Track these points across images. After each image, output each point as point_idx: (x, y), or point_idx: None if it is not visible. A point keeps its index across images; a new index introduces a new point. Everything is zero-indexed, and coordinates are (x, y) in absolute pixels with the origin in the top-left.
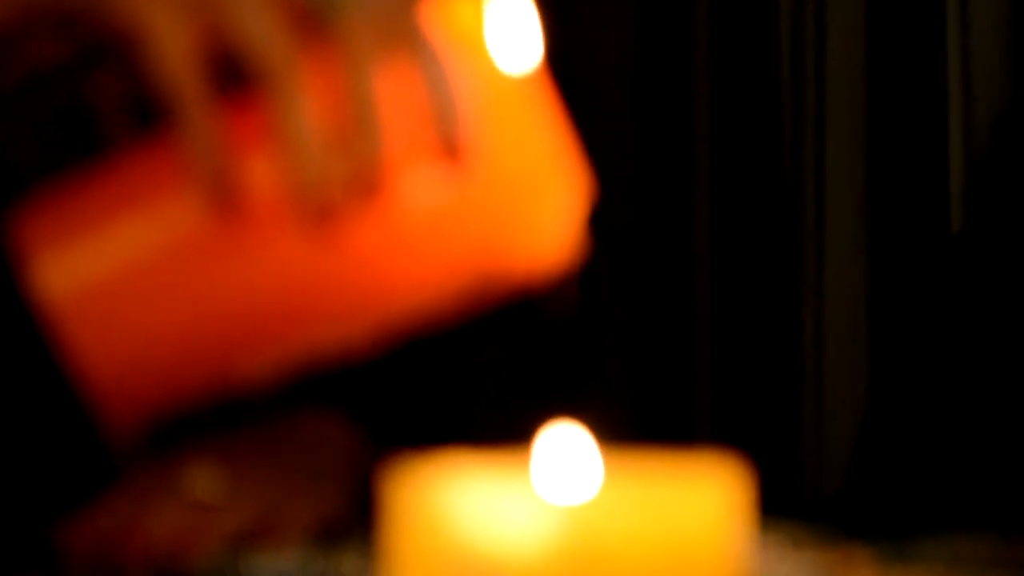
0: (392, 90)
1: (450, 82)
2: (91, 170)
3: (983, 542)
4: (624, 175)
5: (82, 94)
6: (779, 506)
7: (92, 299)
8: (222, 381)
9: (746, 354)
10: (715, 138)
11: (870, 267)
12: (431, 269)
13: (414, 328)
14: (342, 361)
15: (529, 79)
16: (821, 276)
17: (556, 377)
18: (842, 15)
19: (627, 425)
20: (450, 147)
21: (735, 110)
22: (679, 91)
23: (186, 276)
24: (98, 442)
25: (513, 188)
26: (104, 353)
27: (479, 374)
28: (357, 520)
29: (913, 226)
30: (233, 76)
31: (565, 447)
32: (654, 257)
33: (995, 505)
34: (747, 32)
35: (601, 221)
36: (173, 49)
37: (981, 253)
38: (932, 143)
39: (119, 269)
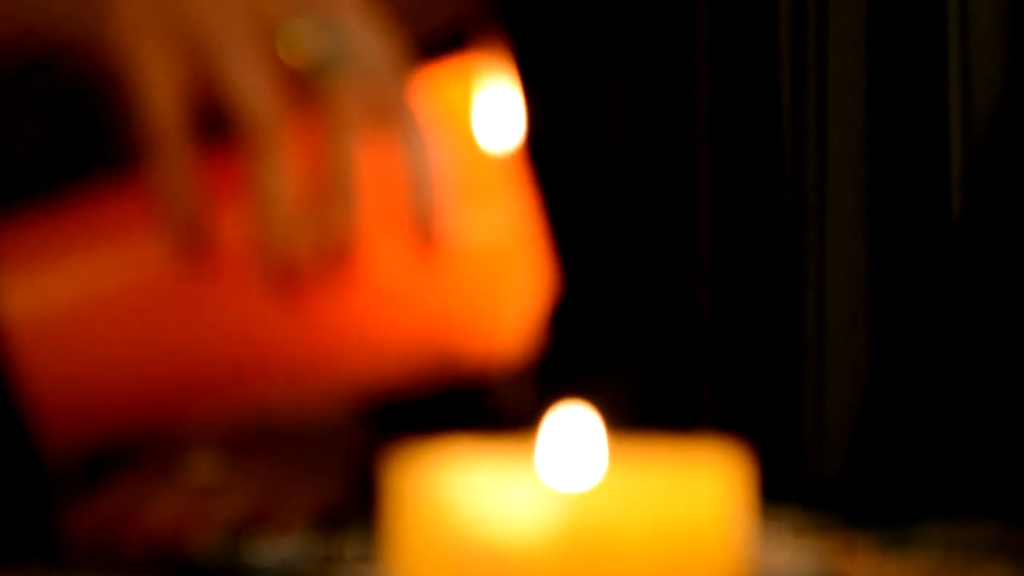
0: (372, 163)
1: (431, 161)
2: (65, 201)
3: (983, 528)
4: (624, 159)
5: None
6: (780, 492)
7: (48, 325)
8: (165, 423)
9: (747, 340)
10: (715, 124)
11: (871, 253)
12: (389, 342)
13: (365, 396)
14: (292, 418)
15: (509, 164)
16: (822, 262)
17: (557, 363)
18: (844, 2)
19: (628, 411)
20: (424, 226)
21: (736, 96)
22: (680, 68)
23: (143, 317)
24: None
25: (480, 270)
26: (52, 377)
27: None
28: (359, 506)
29: (914, 212)
30: (215, 127)
31: (568, 433)
32: (655, 243)
33: (995, 491)
34: (748, 18)
35: (602, 207)
36: (160, 92)
37: (981, 239)
38: (932, 129)
39: (78, 300)
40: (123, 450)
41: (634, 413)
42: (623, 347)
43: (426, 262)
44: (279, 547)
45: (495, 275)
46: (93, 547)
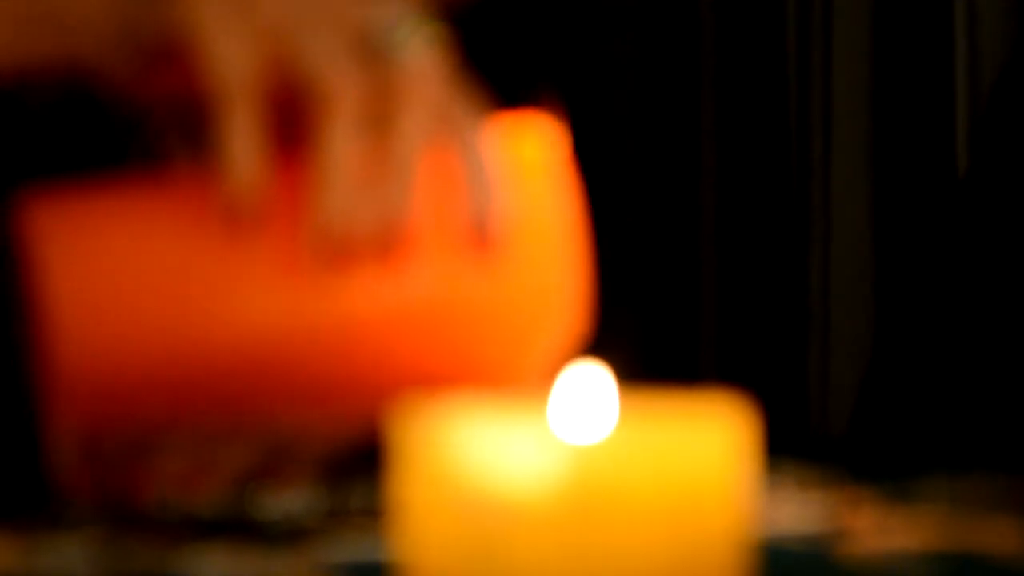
0: (435, 171)
1: (492, 185)
2: (114, 178)
3: (988, 482)
4: (627, 118)
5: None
6: (785, 447)
7: (88, 296)
8: (180, 416)
9: (752, 295)
10: (721, 87)
11: (876, 209)
12: (419, 368)
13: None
14: (296, 437)
15: (566, 214)
16: (828, 218)
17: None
18: None
19: (633, 365)
20: (479, 236)
21: (741, 56)
22: (685, 28)
23: (183, 298)
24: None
25: (521, 306)
26: (82, 353)
27: None
28: (366, 459)
29: (919, 168)
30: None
31: (576, 387)
32: (660, 200)
33: (1000, 446)
34: None
35: (607, 166)
36: (231, 52)
37: (986, 195)
38: (937, 89)
39: (119, 275)
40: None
41: (639, 368)
42: (629, 303)
43: (473, 283)
44: (284, 499)
45: (534, 313)
46: (100, 500)
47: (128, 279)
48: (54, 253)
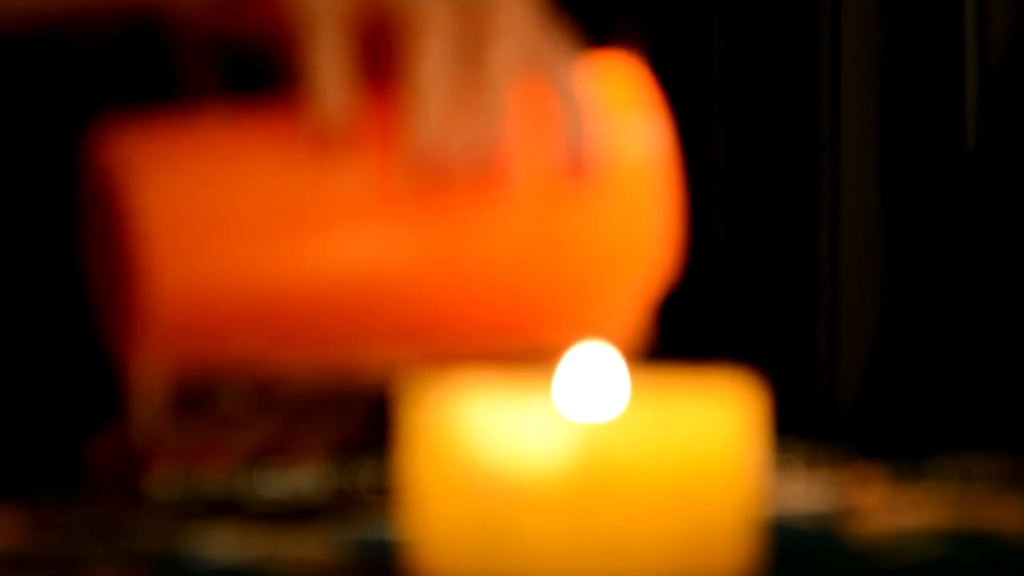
0: (527, 104)
1: (585, 119)
2: (198, 110)
3: (997, 461)
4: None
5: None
6: (793, 425)
7: (176, 226)
8: (266, 356)
9: (761, 270)
10: (730, 59)
11: (885, 184)
12: (510, 304)
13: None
14: (361, 381)
15: (658, 154)
16: (836, 192)
17: None
18: None
19: (640, 343)
20: (572, 170)
21: (751, 28)
22: (691, 3)
23: (270, 234)
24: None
25: (612, 244)
26: (169, 285)
27: None
28: (375, 438)
29: (928, 143)
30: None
31: (584, 365)
32: None
33: (1010, 423)
34: None
35: None
36: None
37: (996, 171)
38: (947, 60)
39: (208, 207)
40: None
41: (647, 345)
42: None
43: (567, 210)
44: (292, 478)
45: (618, 258)
46: (112, 476)
47: (215, 208)
48: (139, 182)
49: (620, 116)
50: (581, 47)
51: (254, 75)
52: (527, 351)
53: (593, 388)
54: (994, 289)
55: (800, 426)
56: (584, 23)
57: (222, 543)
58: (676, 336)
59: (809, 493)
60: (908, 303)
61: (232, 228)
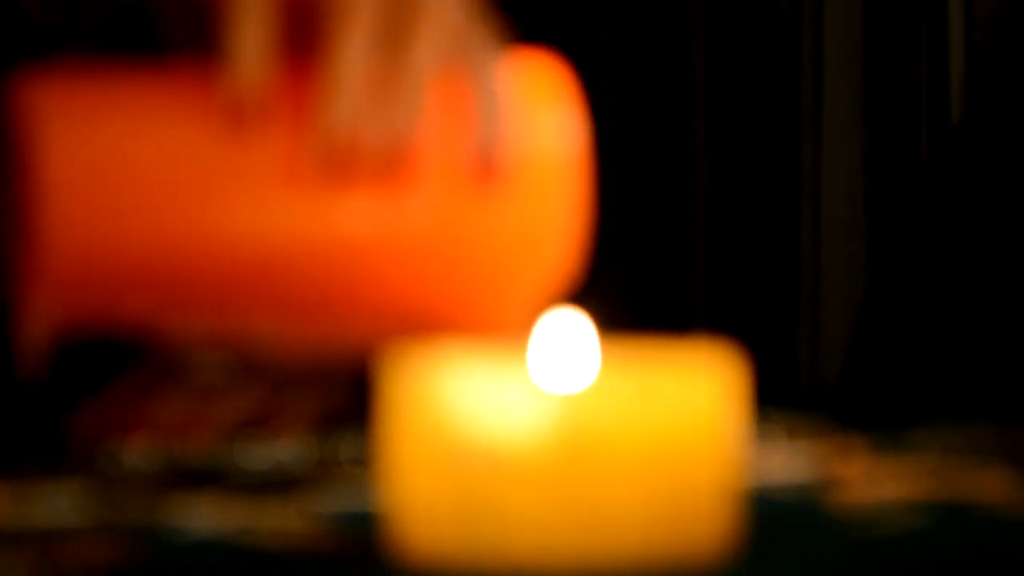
0: (444, 98)
1: (501, 116)
2: (120, 64)
3: (979, 432)
4: (619, 69)
5: None
6: (774, 396)
7: (81, 178)
8: (163, 316)
9: (742, 241)
10: (711, 38)
11: (868, 155)
12: (406, 296)
13: (336, 351)
14: (259, 355)
15: (573, 153)
16: (818, 165)
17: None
18: None
19: (623, 313)
20: (483, 167)
21: (733, 9)
22: None
23: (175, 191)
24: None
25: (517, 241)
26: (71, 236)
27: None
28: (356, 410)
29: (911, 115)
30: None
31: (562, 335)
32: (650, 148)
33: (991, 396)
34: None
35: (598, 116)
36: None
37: (980, 144)
38: (932, 32)
39: (115, 160)
40: (114, 341)
41: (629, 316)
42: (619, 250)
43: (472, 211)
44: (273, 449)
45: (524, 252)
46: (94, 447)
47: (123, 166)
48: (49, 131)
49: (537, 111)
50: (505, 42)
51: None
52: (428, 336)
53: (572, 359)
54: (976, 263)
55: (781, 397)
56: (530, 20)
57: (203, 515)
58: (658, 308)
59: (790, 464)
60: (890, 275)
61: (136, 187)
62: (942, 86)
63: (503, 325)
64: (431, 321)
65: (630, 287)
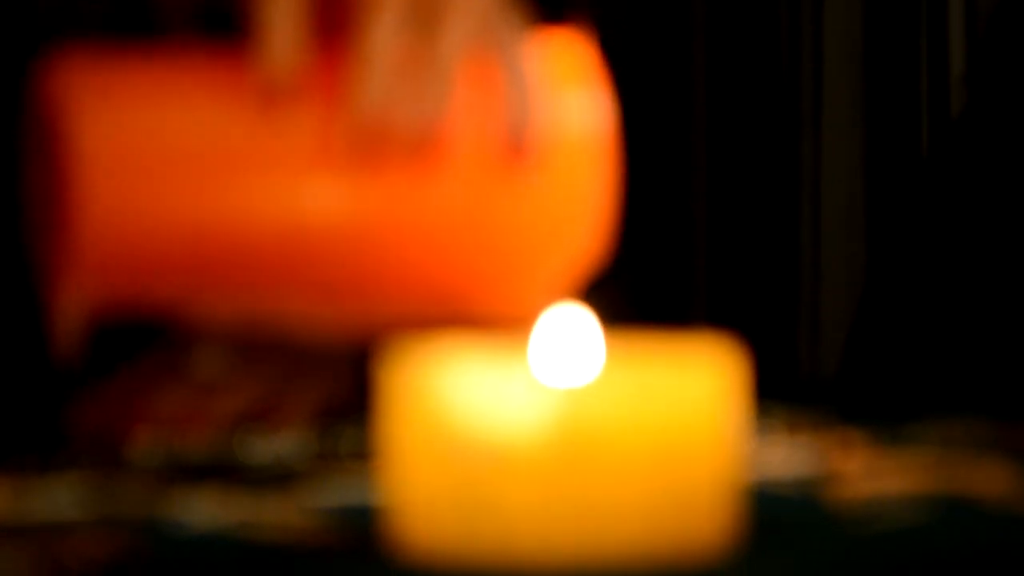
0: (474, 80)
1: (530, 98)
2: (151, 47)
3: (979, 426)
4: (619, 69)
5: None
6: (775, 390)
7: (113, 159)
8: (184, 302)
9: (743, 235)
10: (712, 34)
11: (868, 149)
12: (434, 275)
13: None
14: (289, 336)
15: (601, 134)
16: (818, 158)
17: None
18: None
19: (623, 307)
20: (512, 148)
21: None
22: None
23: (207, 174)
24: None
25: (545, 223)
26: (101, 220)
27: None
28: (356, 403)
29: (911, 107)
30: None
31: (564, 330)
32: (652, 144)
33: (991, 389)
34: None
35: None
36: None
37: (980, 137)
38: (933, 26)
39: (148, 142)
40: (143, 325)
41: (629, 310)
42: (619, 244)
43: (502, 193)
44: (273, 443)
45: (553, 233)
46: (94, 441)
47: (155, 148)
48: (81, 114)
49: (565, 92)
50: (531, 23)
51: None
52: (457, 319)
53: (572, 353)
54: (976, 256)
55: (782, 391)
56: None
57: (203, 509)
58: (658, 301)
59: (790, 458)
60: (891, 269)
61: (169, 168)
62: (942, 77)
63: (531, 306)
64: (460, 302)
65: (630, 281)
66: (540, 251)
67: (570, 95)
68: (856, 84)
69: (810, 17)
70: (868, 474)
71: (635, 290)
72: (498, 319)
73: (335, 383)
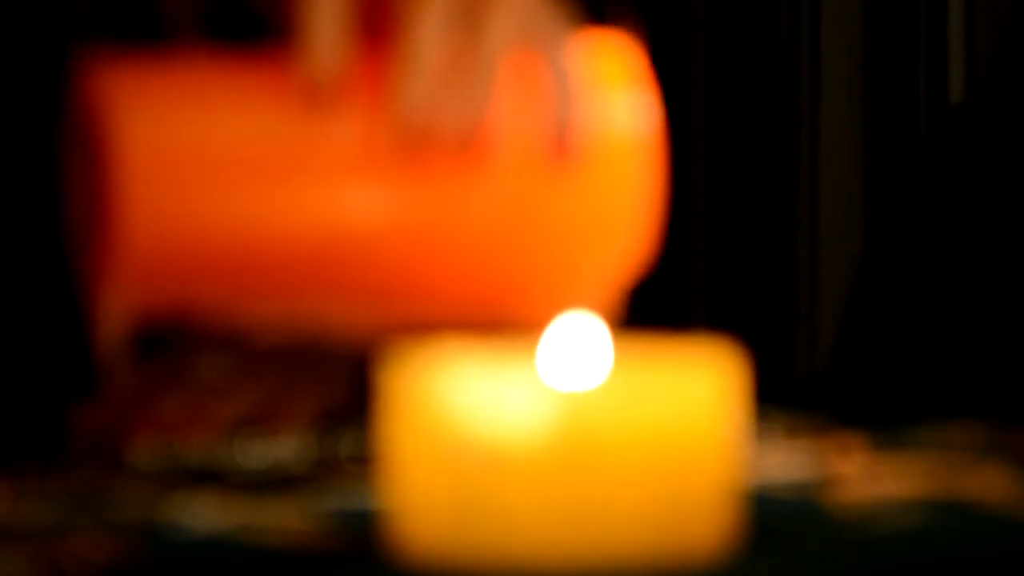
0: (518, 79)
1: (575, 98)
2: (187, 54)
3: (977, 430)
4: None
5: None
6: (773, 394)
7: (160, 165)
8: (228, 307)
9: (741, 240)
10: (711, 35)
11: (865, 152)
12: (480, 275)
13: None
14: (335, 343)
15: (645, 135)
16: (816, 161)
17: None
18: None
19: (621, 311)
20: (558, 148)
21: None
22: None
23: (255, 179)
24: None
25: (590, 223)
26: (146, 223)
27: None
28: (357, 407)
29: (909, 105)
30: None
31: (565, 334)
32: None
33: (990, 392)
34: None
35: None
36: None
37: (979, 133)
38: (931, 30)
39: (195, 146)
40: (183, 328)
41: (627, 313)
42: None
43: (554, 175)
44: (273, 447)
45: (597, 233)
46: (95, 445)
47: (199, 151)
48: (124, 118)
49: (609, 93)
50: (576, 24)
51: (249, 25)
52: (500, 322)
53: (575, 357)
54: (974, 258)
55: (780, 395)
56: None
57: (203, 513)
58: (657, 305)
59: (789, 462)
60: (888, 272)
61: (212, 172)
62: (940, 73)
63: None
64: (503, 305)
65: (629, 287)
66: (584, 253)
67: (614, 95)
68: (855, 84)
69: (808, 21)
70: (867, 478)
71: (633, 294)
72: (540, 322)
73: (335, 387)
